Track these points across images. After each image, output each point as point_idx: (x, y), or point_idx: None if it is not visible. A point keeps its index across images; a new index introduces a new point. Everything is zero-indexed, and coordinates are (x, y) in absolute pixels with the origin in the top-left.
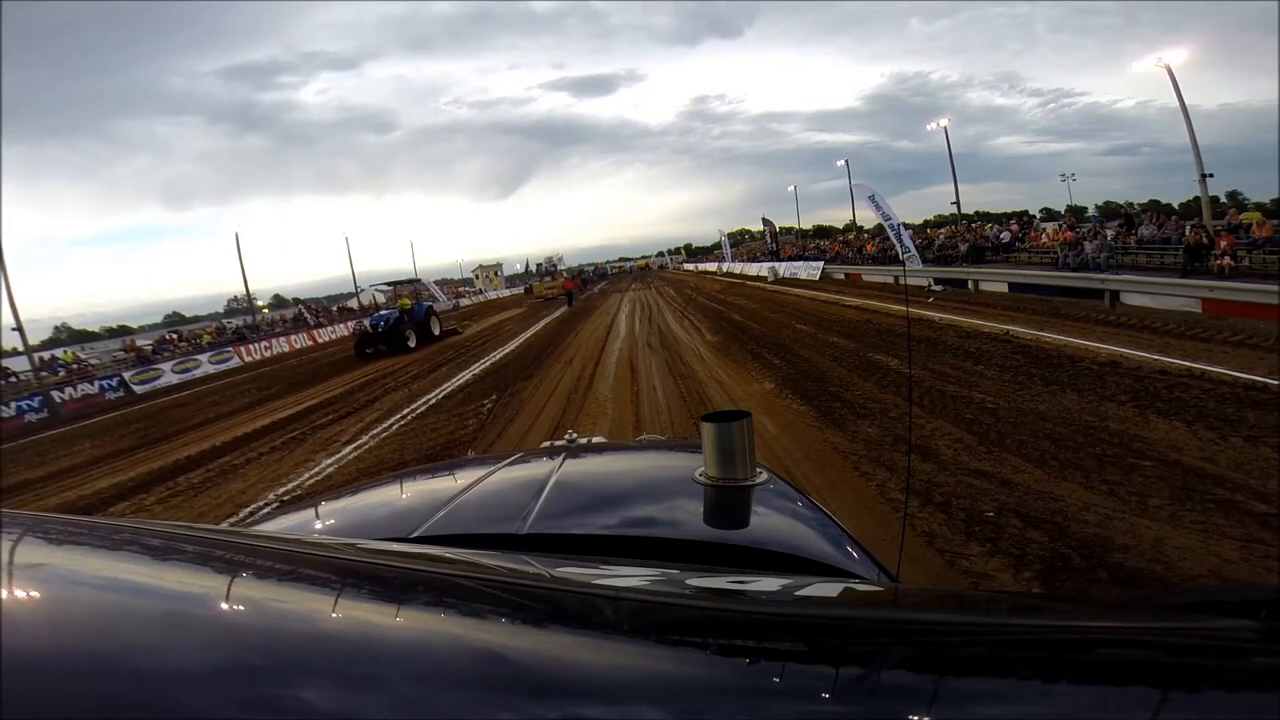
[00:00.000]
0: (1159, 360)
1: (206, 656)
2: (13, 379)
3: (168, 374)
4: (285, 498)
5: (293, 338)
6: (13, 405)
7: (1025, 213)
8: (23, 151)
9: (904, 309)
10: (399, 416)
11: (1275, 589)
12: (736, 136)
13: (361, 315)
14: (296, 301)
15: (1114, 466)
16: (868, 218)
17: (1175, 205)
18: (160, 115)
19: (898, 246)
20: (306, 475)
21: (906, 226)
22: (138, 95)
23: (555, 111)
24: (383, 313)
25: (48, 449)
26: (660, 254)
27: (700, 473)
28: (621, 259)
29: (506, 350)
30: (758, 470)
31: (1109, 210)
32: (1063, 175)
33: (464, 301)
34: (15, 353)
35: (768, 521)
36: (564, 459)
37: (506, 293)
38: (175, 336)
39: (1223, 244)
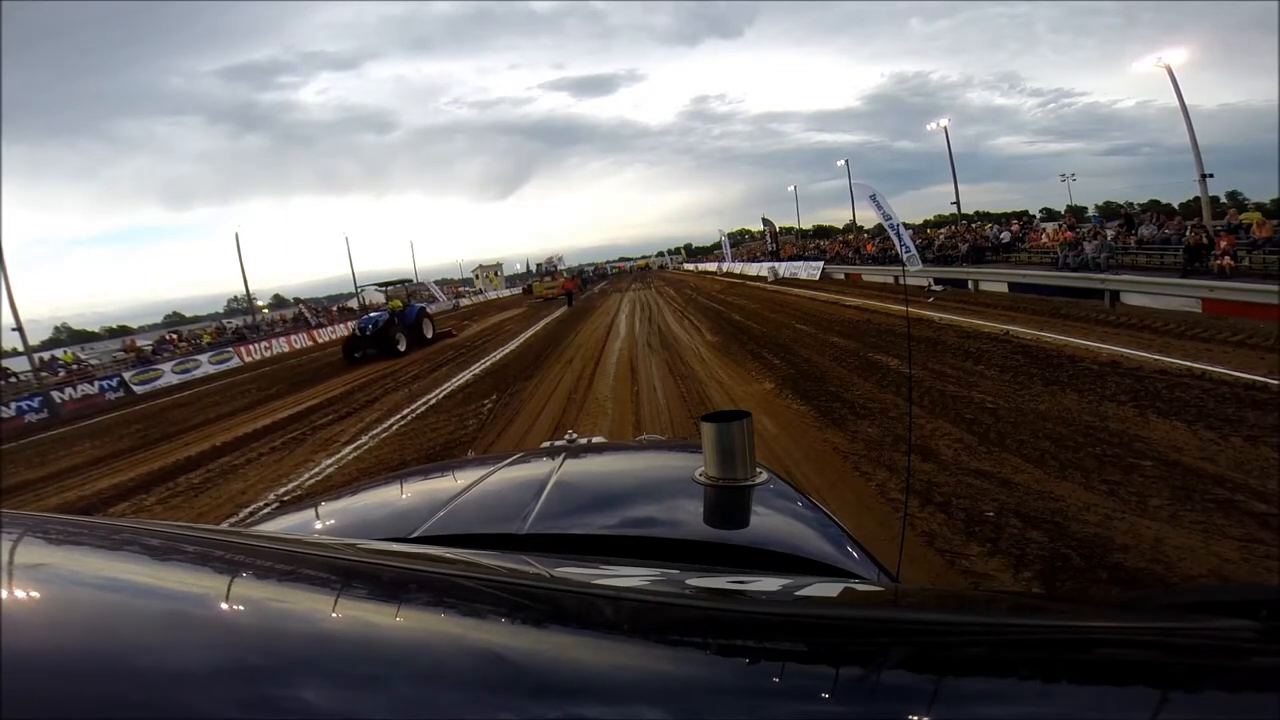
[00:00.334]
0: (1159, 360)
1: (206, 656)
2: (13, 379)
3: (168, 374)
4: (285, 498)
5: (293, 338)
6: (13, 405)
7: (1025, 213)
8: (23, 151)
9: (904, 309)
10: (399, 417)
11: (1275, 589)
12: (736, 136)
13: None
14: (297, 301)
15: (1114, 466)
16: (868, 218)
17: (1175, 205)
18: (160, 115)
19: (898, 246)
20: (307, 475)
21: (906, 226)
22: (138, 95)
23: (555, 111)
24: (371, 315)
25: (48, 449)
26: (660, 254)
27: (700, 473)
28: (622, 259)
29: (506, 350)
30: (758, 470)
31: (1109, 210)
32: (1063, 175)
33: (464, 301)
34: (15, 353)
35: (768, 521)
36: (564, 459)
37: (507, 293)
38: (175, 337)
39: (1223, 244)
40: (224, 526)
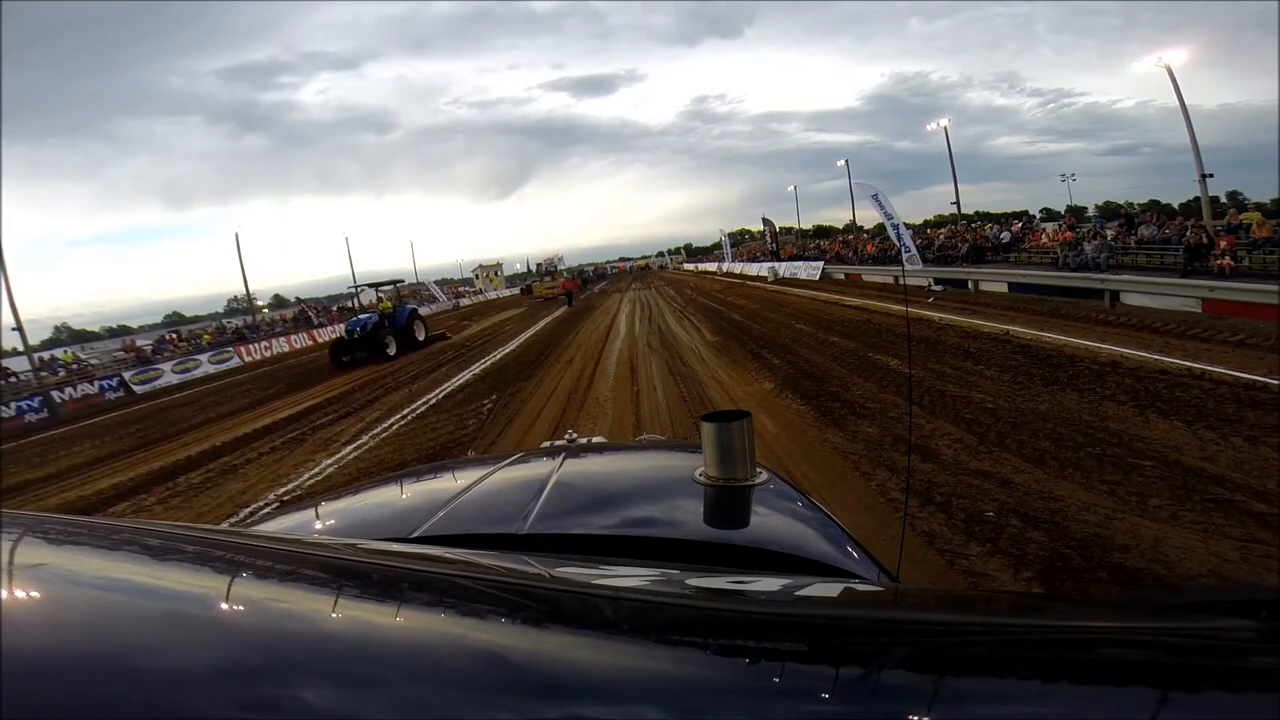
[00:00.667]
0: (1159, 360)
1: (206, 656)
2: (13, 379)
3: (168, 374)
4: (285, 498)
5: (293, 337)
6: (13, 405)
7: (1025, 213)
8: (23, 151)
9: (904, 309)
10: (399, 417)
11: (1275, 589)
12: (736, 136)
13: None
14: (298, 301)
15: (1114, 466)
16: (868, 218)
17: (1175, 205)
18: (160, 115)
19: (899, 246)
20: (307, 475)
21: (907, 226)
22: (138, 95)
23: (555, 112)
24: (360, 317)
25: (48, 449)
26: (660, 254)
27: (700, 473)
28: (622, 259)
29: (506, 350)
30: (758, 470)
31: (1109, 210)
32: (1063, 175)
33: (464, 302)
34: (15, 353)
35: (768, 521)
36: (564, 459)
37: (507, 293)
38: (175, 336)
39: (1223, 244)
40: (224, 526)
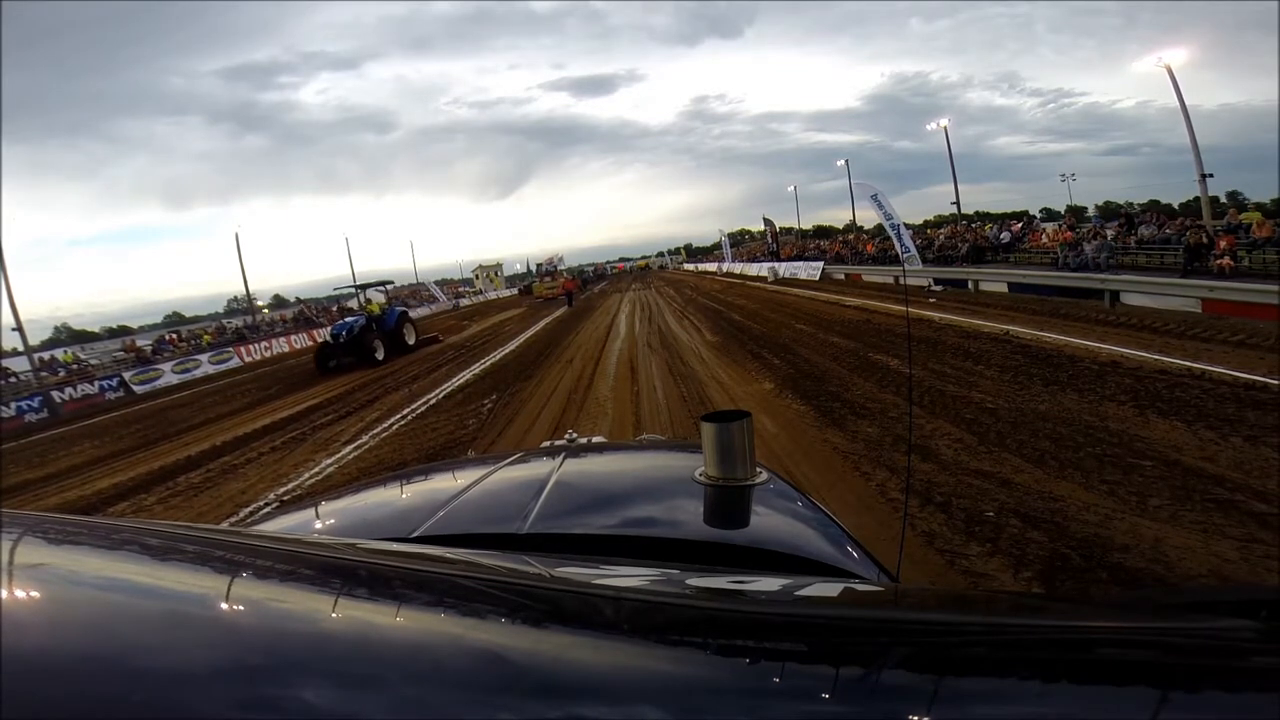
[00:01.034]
0: (1159, 360)
1: (206, 656)
2: (13, 379)
3: (168, 374)
4: (285, 498)
5: (292, 338)
6: (13, 405)
7: (1025, 213)
8: (23, 151)
9: (904, 309)
10: (399, 416)
11: (1275, 589)
12: (736, 136)
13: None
14: (298, 301)
15: (1114, 466)
16: (868, 218)
17: (1175, 205)
18: (160, 115)
19: (898, 246)
20: (307, 475)
21: (907, 226)
22: (138, 95)
23: (555, 112)
24: (346, 320)
25: (48, 449)
26: (660, 254)
27: (700, 473)
28: (622, 259)
29: (506, 350)
30: (758, 470)
31: (1109, 210)
32: (1063, 175)
33: (464, 302)
34: (15, 353)
35: (768, 521)
36: (564, 459)
37: (507, 293)
38: (175, 336)
39: (1222, 244)
40: (224, 526)
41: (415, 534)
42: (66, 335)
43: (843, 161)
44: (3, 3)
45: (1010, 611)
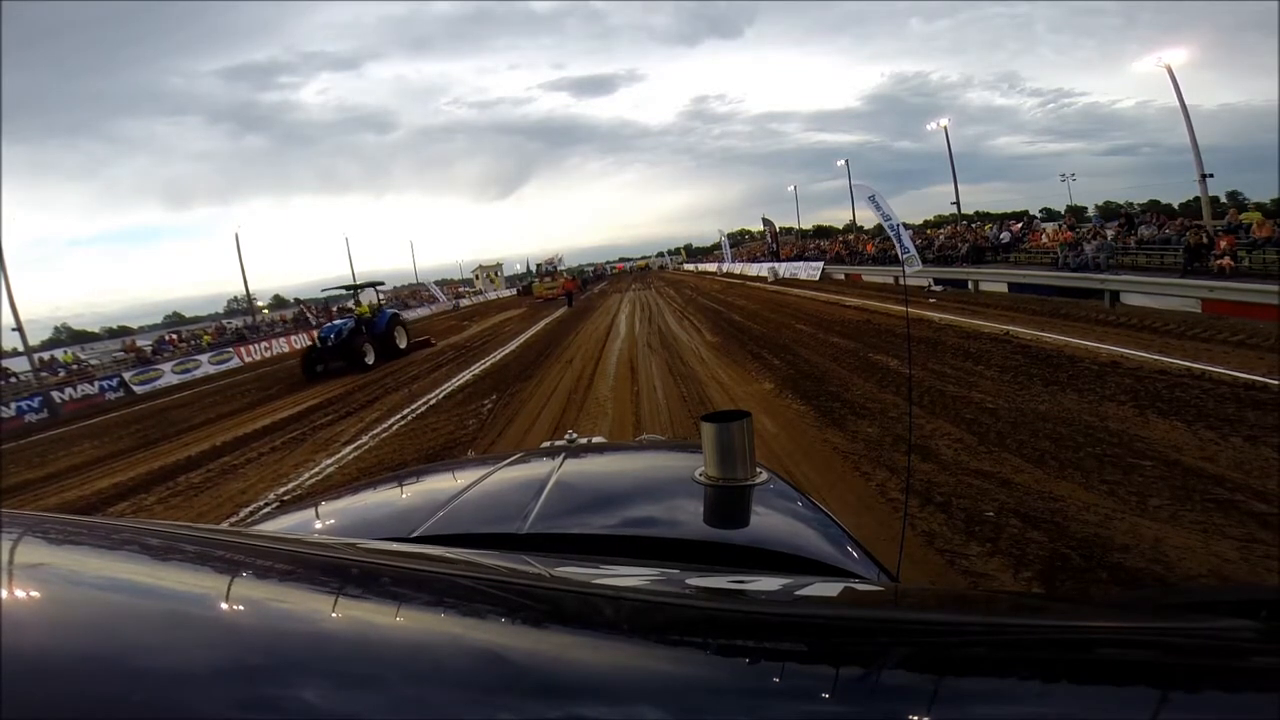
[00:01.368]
0: (1159, 360)
1: (206, 656)
2: (13, 379)
3: (168, 374)
4: (285, 498)
5: (292, 338)
6: (13, 405)
7: (1025, 213)
8: (23, 151)
9: (904, 309)
10: (399, 417)
11: (1275, 589)
12: (736, 136)
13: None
14: (297, 301)
15: (1114, 466)
16: (868, 218)
17: (1175, 205)
18: (160, 115)
19: (897, 247)
20: (307, 475)
21: (906, 226)
22: (138, 95)
23: (555, 112)
24: (334, 323)
25: (48, 449)
26: (660, 254)
27: (700, 473)
28: (622, 259)
29: (506, 350)
30: (758, 470)
31: (1109, 210)
32: (1063, 175)
33: (464, 302)
34: (15, 353)
35: (768, 521)
36: (564, 459)
37: (508, 293)
38: (175, 337)
39: (1222, 244)
40: (224, 526)
41: (415, 534)
42: (66, 335)
43: (843, 161)
44: (3, 3)
45: (1010, 611)
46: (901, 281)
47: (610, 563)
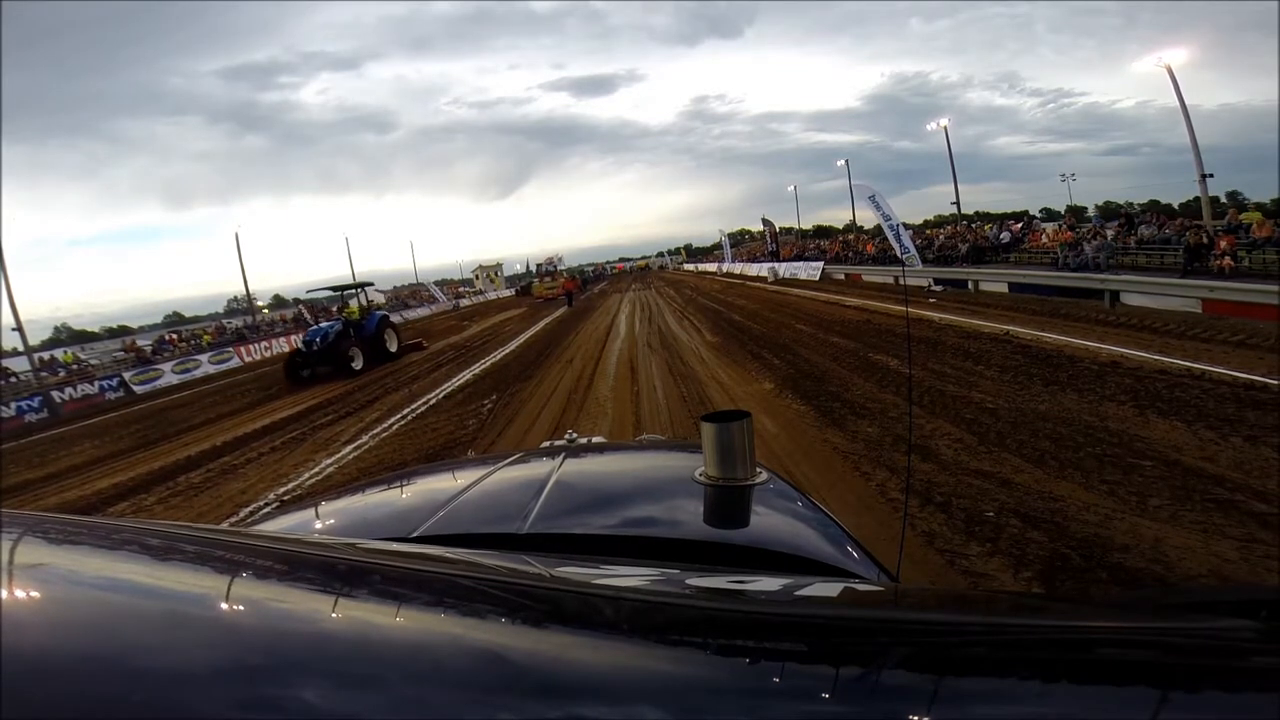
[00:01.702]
0: (1159, 360)
1: (206, 656)
2: (13, 379)
3: (168, 374)
4: (285, 498)
5: (293, 338)
6: (13, 405)
7: (1025, 213)
8: (23, 151)
9: (903, 309)
10: (399, 416)
11: (1275, 589)
12: (736, 136)
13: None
14: (296, 302)
15: (1114, 466)
16: (868, 218)
17: (1175, 205)
18: (160, 115)
19: (896, 248)
20: (307, 475)
21: (906, 226)
22: (138, 95)
23: (555, 112)
24: (321, 326)
25: (48, 449)
26: (660, 254)
27: (700, 473)
28: (622, 259)
29: (506, 350)
30: (758, 470)
31: (1109, 210)
32: (1063, 175)
33: (464, 302)
34: (15, 353)
35: (768, 521)
36: (564, 459)
37: (508, 293)
38: (175, 337)
39: (1222, 244)
40: (224, 526)
41: (415, 534)
42: (66, 335)
43: (843, 161)
44: (3, 3)
45: (1010, 611)
46: (901, 281)
47: (610, 563)
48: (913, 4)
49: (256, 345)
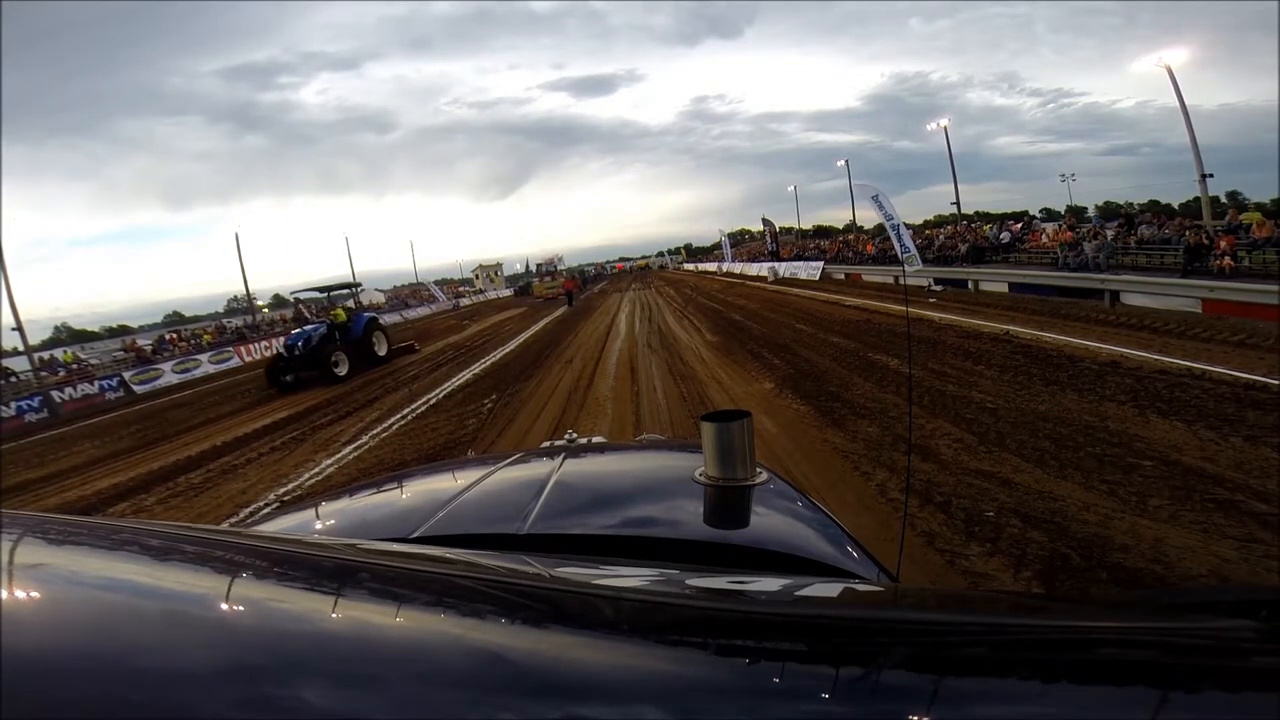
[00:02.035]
0: (1159, 360)
1: (206, 656)
2: (13, 379)
3: (168, 374)
4: (285, 498)
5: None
6: (13, 405)
7: (1025, 213)
8: (23, 151)
9: (903, 309)
10: (399, 416)
11: (1275, 589)
12: (736, 136)
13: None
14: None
15: (1114, 466)
16: (868, 218)
17: (1175, 205)
18: (160, 115)
19: (897, 247)
20: (307, 475)
21: (907, 226)
22: (138, 95)
23: (555, 111)
24: (304, 329)
25: (48, 449)
26: (660, 254)
27: (700, 473)
28: (621, 259)
29: (506, 350)
30: (758, 470)
31: (1109, 210)
32: (1063, 175)
33: (464, 302)
34: (15, 353)
35: (767, 521)
36: (564, 459)
37: (508, 293)
38: (175, 336)
39: (1222, 244)
40: (224, 526)
41: (415, 534)
42: (66, 335)
43: (843, 161)
44: (3, 3)
45: (1010, 611)
46: (901, 281)
47: (610, 563)
48: (913, 4)
49: (257, 345)
